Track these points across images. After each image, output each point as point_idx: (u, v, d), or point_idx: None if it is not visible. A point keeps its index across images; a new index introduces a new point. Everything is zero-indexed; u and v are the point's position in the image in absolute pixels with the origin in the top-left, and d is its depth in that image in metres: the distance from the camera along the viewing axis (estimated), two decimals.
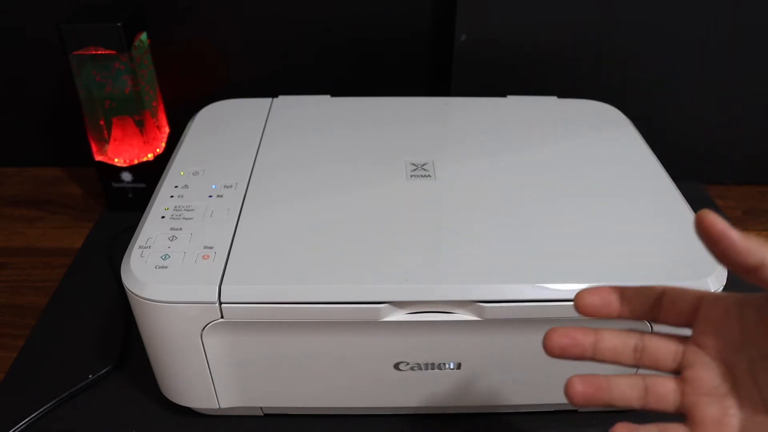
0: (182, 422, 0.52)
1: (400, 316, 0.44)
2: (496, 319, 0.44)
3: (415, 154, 0.56)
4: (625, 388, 0.34)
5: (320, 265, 0.45)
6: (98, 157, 0.73)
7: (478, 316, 0.44)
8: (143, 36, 0.70)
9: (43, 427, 0.52)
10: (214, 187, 0.52)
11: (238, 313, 0.43)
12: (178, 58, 0.78)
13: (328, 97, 0.67)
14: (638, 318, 0.36)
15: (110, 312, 0.62)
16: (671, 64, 0.74)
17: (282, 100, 0.66)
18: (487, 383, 0.49)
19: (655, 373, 0.35)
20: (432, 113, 0.65)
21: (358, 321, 0.44)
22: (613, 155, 0.57)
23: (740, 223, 0.77)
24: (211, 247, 0.46)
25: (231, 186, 0.52)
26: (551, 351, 0.35)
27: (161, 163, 0.71)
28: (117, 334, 0.60)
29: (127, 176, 0.74)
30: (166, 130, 0.77)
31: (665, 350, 0.35)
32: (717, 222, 0.30)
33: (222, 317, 0.44)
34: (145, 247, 0.46)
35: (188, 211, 0.49)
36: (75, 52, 0.65)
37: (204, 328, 0.44)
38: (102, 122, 0.70)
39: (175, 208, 0.50)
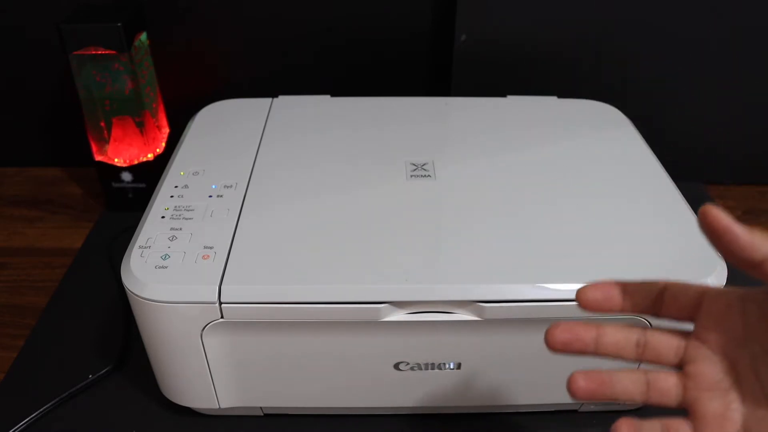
0: (182, 422, 0.52)
1: (400, 316, 0.44)
2: (496, 319, 0.44)
3: (415, 154, 0.56)
4: (628, 383, 0.34)
5: (320, 265, 0.45)
6: (98, 157, 0.73)
7: (478, 316, 0.44)
8: (143, 36, 0.70)
9: (43, 427, 0.52)
10: (214, 187, 0.52)
11: (238, 313, 0.43)
12: (178, 58, 0.78)
13: (328, 97, 0.67)
14: (640, 313, 0.35)
15: (110, 312, 0.62)
16: (671, 64, 0.74)
17: (282, 100, 0.66)
18: (487, 383, 0.49)
19: (657, 368, 0.35)
20: (432, 113, 0.65)
21: (358, 321, 0.44)
22: (613, 155, 0.57)
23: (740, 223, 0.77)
24: (211, 247, 0.46)
25: (231, 186, 0.52)
26: (553, 346, 0.35)
27: (161, 163, 0.71)
28: (117, 334, 0.60)
29: (127, 176, 0.74)
30: (166, 130, 0.77)
31: (667, 345, 0.35)
32: (721, 216, 0.30)
33: (222, 317, 0.44)
34: (145, 247, 0.46)
35: (188, 211, 0.49)
36: (75, 52, 0.65)
37: (204, 328, 0.44)
38: (102, 122, 0.70)
39: (175, 208, 0.50)
